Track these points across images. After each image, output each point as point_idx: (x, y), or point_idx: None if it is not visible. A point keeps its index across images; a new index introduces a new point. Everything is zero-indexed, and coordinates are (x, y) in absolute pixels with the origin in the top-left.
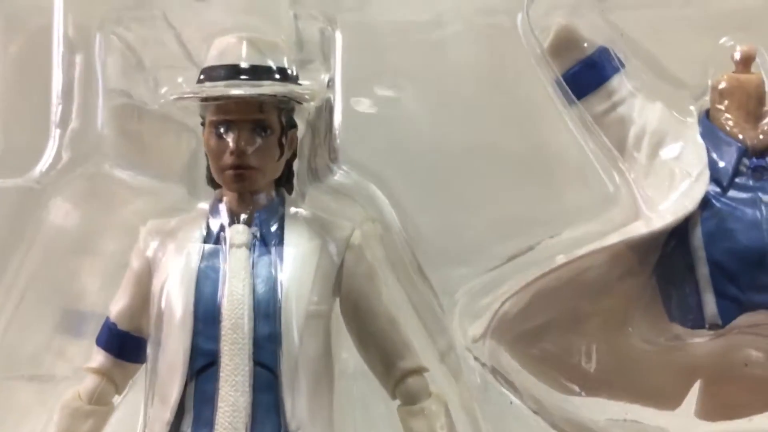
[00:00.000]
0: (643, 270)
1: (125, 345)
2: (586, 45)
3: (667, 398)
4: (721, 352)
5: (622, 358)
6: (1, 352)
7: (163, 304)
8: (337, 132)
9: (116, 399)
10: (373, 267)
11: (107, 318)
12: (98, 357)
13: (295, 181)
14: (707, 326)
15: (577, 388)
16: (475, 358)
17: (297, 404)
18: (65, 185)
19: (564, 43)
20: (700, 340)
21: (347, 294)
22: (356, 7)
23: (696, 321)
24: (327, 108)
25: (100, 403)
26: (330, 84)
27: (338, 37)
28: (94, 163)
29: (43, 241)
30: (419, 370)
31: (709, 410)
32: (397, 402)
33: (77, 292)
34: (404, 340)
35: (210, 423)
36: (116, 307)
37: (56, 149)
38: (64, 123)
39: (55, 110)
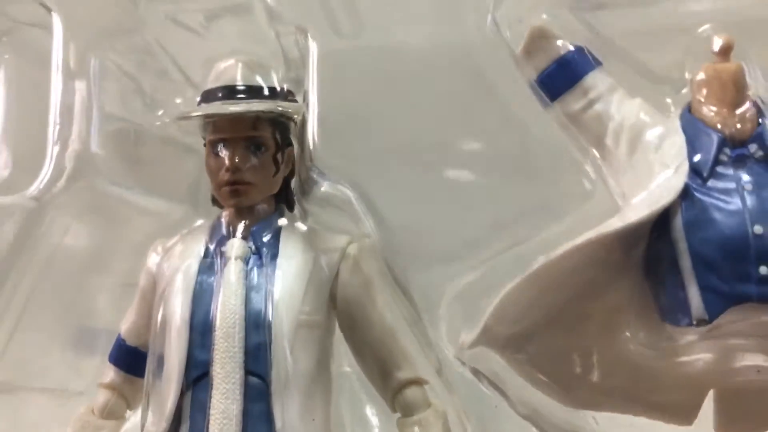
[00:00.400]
0: (630, 267)
1: (134, 361)
2: (560, 44)
3: (677, 412)
4: (726, 359)
5: (621, 365)
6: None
7: (161, 317)
8: (311, 141)
9: (129, 413)
10: (369, 278)
11: (119, 334)
12: (110, 373)
13: (296, 197)
14: (694, 322)
15: (571, 396)
16: (455, 357)
17: (287, 413)
18: (64, 203)
19: (538, 43)
20: (694, 340)
21: (343, 304)
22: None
23: (686, 319)
24: (302, 119)
25: (111, 417)
26: (305, 96)
27: (312, 46)
28: (91, 181)
29: (40, 257)
30: (417, 381)
31: (728, 422)
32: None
33: (80, 307)
34: (402, 351)
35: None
36: (126, 324)
37: (53, 167)
38: (62, 141)
39: (53, 129)
